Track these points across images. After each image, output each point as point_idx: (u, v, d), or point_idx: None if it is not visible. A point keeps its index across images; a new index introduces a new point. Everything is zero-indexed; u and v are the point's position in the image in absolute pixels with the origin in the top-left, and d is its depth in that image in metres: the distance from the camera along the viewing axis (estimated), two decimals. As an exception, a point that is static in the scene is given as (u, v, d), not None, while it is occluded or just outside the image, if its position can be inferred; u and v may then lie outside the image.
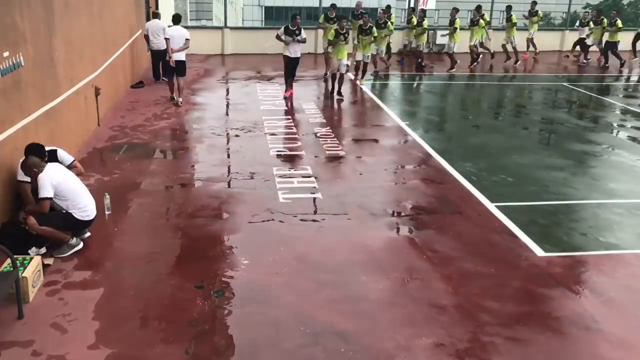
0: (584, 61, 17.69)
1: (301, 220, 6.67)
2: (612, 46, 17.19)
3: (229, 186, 7.73)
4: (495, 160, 9.11)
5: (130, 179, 7.69)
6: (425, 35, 17.13)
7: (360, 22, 13.78)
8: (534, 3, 18.33)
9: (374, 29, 13.62)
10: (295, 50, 12.73)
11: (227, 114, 11.42)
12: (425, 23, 16.88)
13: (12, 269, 4.66)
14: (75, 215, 5.64)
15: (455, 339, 4.60)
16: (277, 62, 17.16)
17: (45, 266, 5.30)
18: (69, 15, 8.25)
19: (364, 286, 5.34)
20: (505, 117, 12.23)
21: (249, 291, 5.19)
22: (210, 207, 6.92)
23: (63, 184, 5.58)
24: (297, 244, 6.10)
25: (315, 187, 7.64)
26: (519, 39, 17.56)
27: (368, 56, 13.95)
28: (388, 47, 16.28)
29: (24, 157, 5.73)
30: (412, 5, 20.22)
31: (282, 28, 12.83)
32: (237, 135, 9.86)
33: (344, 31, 12.73)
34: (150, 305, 4.92)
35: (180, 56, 11.54)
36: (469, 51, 16.66)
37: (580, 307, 5.16)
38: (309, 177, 8.02)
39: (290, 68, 12.80)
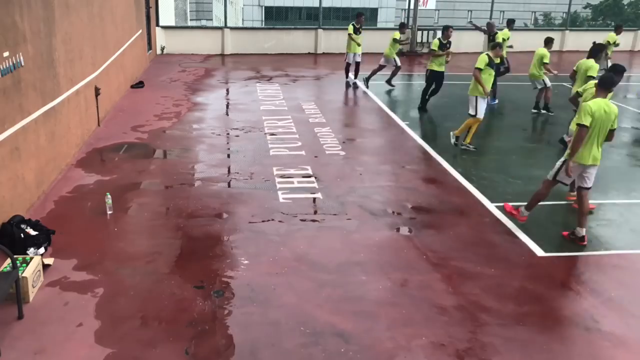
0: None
1: (301, 220, 6.67)
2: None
3: (229, 186, 7.73)
4: (495, 160, 9.11)
5: (130, 179, 7.69)
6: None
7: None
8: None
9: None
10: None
11: (227, 114, 11.42)
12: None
13: (12, 269, 4.66)
14: None
15: (455, 339, 4.60)
16: (277, 62, 17.26)
17: (45, 266, 5.30)
18: (69, 15, 8.25)
19: (364, 286, 5.34)
20: (505, 117, 12.23)
21: (249, 291, 5.19)
22: (210, 207, 6.92)
23: None
24: (297, 244, 6.10)
25: (315, 187, 7.64)
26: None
27: None
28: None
29: None
30: (411, 5, 20.20)
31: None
32: (237, 136, 9.86)
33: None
34: (150, 305, 4.92)
35: None
36: None
37: (580, 307, 5.17)
38: (309, 177, 8.01)
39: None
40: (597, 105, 6.02)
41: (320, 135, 10.03)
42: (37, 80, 6.83)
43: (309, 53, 19.01)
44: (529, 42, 20.10)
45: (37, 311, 4.76)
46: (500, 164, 8.88)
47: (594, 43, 10.21)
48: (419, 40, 19.73)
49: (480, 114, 9.33)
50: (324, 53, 18.95)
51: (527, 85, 15.19)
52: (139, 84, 13.22)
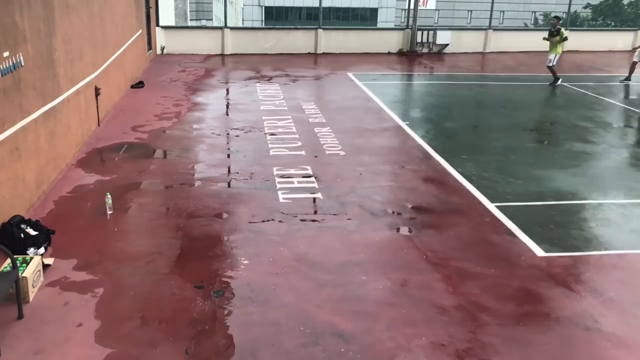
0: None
1: (301, 220, 6.67)
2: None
3: (229, 186, 7.73)
4: (495, 160, 9.11)
5: (130, 179, 7.69)
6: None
7: None
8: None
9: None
10: None
11: (227, 114, 11.42)
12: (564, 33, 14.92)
13: (12, 269, 4.66)
14: None
15: (455, 339, 4.60)
16: (277, 62, 17.26)
17: (45, 266, 5.30)
18: (69, 15, 8.25)
19: (364, 286, 5.34)
20: (505, 117, 12.22)
21: (249, 291, 5.19)
22: (210, 207, 6.92)
23: None
24: (297, 244, 6.10)
25: (315, 187, 7.64)
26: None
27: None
28: None
29: None
30: (411, 5, 20.20)
31: None
32: (237, 136, 9.86)
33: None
34: (150, 305, 4.92)
35: None
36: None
37: (580, 307, 5.16)
38: (309, 177, 8.02)
39: None
40: None
41: (320, 135, 10.04)
42: (37, 80, 6.83)
43: (309, 53, 19.01)
44: (528, 42, 20.15)
45: (37, 311, 4.76)
46: (500, 164, 8.87)
47: None
48: (418, 40, 19.74)
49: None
50: (324, 53, 18.95)
51: (526, 85, 15.21)
52: (139, 84, 13.22)
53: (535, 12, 51.01)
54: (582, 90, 14.65)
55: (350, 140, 9.86)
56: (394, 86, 14.82)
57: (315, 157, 8.89)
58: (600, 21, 38.73)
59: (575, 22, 35.85)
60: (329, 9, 44.12)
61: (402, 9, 44.26)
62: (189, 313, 4.82)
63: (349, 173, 8.28)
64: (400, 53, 19.60)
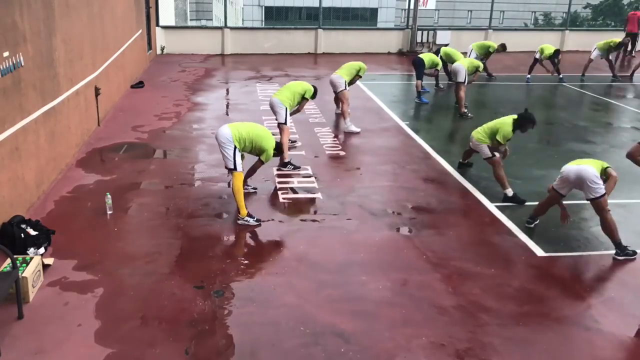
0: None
1: (301, 220, 6.67)
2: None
3: (228, 186, 7.71)
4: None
5: (130, 179, 7.69)
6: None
7: None
8: None
9: None
10: None
11: (227, 114, 11.42)
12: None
13: (12, 269, 4.66)
14: None
15: (455, 339, 4.61)
16: (277, 61, 17.26)
17: (45, 266, 5.30)
18: (69, 15, 8.25)
19: (364, 286, 5.34)
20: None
21: (249, 291, 5.19)
22: (210, 207, 6.92)
23: None
24: (297, 244, 6.10)
25: (315, 187, 7.64)
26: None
27: None
28: None
29: None
30: (411, 5, 20.21)
31: None
32: (237, 135, 9.84)
33: None
34: (150, 305, 4.92)
35: None
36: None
37: (580, 307, 5.17)
38: (309, 177, 8.02)
39: None
40: None
41: (320, 135, 10.04)
42: (37, 80, 6.83)
43: (309, 53, 19.01)
44: (528, 42, 20.15)
45: (37, 311, 4.76)
46: (500, 164, 8.85)
47: None
48: (418, 40, 19.75)
49: None
50: (324, 53, 18.95)
51: (526, 85, 15.22)
52: (139, 84, 13.22)
53: (535, 12, 51.01)
54: (582, 90, 14.66)
55: (350, 140, 9.86)
56: (394, 86, 14.82)
57: (316, 157, 8.89)
58: (600, 21, 38.72)
59: (575, 22, 35.86)
60: (329, 9, 44.11)
61: (402, 9, 44.25)
62: (189, 313, 4.82)
63: (349, 173, 8.28)
64: (400, 53, 19.61)
